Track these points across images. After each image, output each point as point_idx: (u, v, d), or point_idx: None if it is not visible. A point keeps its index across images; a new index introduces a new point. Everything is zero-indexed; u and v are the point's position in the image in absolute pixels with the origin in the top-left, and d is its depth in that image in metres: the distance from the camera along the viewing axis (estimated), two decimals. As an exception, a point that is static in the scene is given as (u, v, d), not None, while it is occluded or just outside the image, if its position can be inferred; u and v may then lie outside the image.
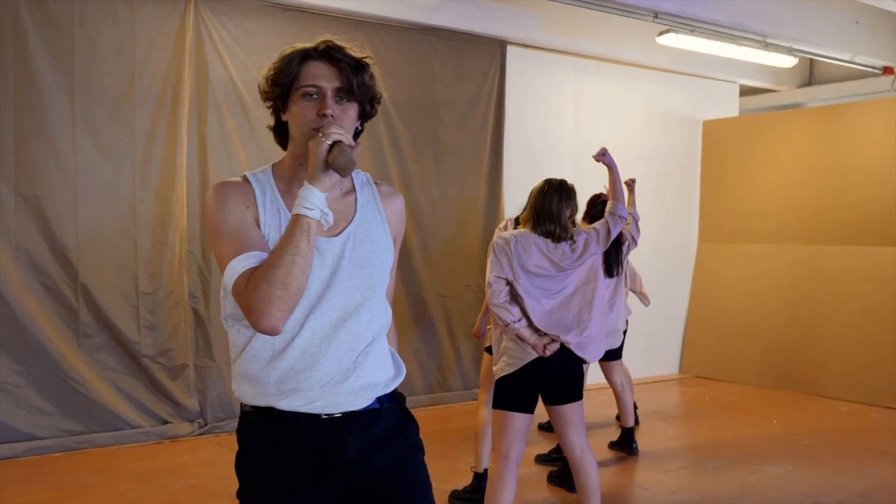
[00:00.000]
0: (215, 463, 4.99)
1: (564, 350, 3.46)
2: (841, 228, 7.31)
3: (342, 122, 1.72)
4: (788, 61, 7.39)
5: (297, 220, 1.63)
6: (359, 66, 1.75)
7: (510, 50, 7.03)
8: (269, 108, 1.83)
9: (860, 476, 4.92)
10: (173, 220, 5.53)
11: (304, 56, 1.75)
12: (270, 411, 1.74)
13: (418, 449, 1.89)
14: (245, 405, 1.81)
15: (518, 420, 3.44)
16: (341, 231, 1.78)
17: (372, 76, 1.78)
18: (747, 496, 4.54)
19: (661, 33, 6.66)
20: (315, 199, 1.63)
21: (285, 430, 1.74)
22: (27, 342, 5.05)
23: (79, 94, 5.20)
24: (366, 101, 1.78)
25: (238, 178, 1.80)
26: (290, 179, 1.80)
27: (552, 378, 3.48)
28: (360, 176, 1.90)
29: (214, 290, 5.67)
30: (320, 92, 1.72)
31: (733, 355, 7.91)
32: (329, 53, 1.74)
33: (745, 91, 9.19)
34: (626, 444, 5.38)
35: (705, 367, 8.13)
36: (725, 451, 5.45)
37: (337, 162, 1.63)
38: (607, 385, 5.52)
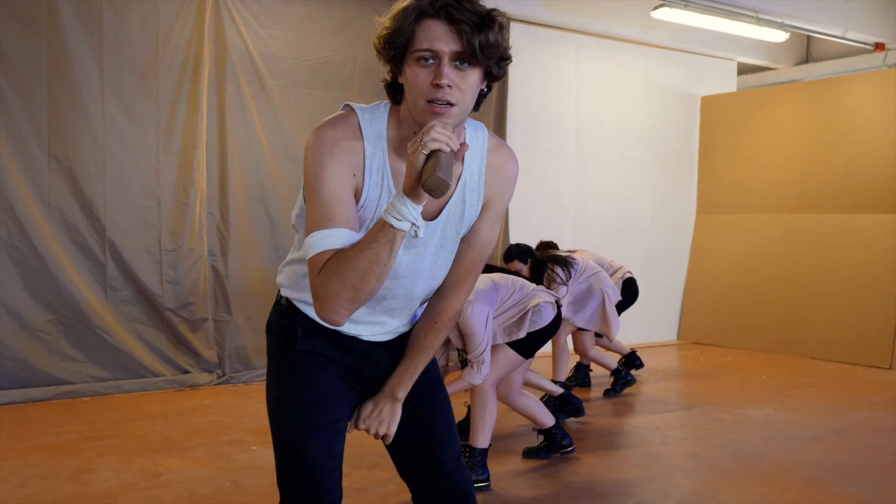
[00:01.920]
0: (234, 406, 5.36)
1: None
2: (833, 197, 7.60)
3: (461, 90, 1.55)
4: (780, 36, 7.68)
5: (383, 227, 1.52)
6: (482, 23, 1.54)
7: (513, 26, 7.35)
8: (385, 66, 1.65)
9: (838, 417, 5.22)
10: (194, 182, 5.90)
11: (420, 13, 1.55)
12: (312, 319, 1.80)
13: (439, 380, 1.99)
14: (284, 298, 1.85)
15: None
16: (436, 216, 1.70)
17: (500, 30, 1.57)
18: (727, 432, 4.85)
19: (655, 7, 6.95)
20: (408, 212, 1.51)
21: (331, 339, 1.81)
22: (59, 294, 5.44)
23: (107, 65, 5.58)
24: (492, 62, 1.58)
25: (351, 124, 1.63)
26: (403, 146, 1.64)
27: None
28: (474, 142, 1.72)
29: (232, 249, 6.05)
30: (436, 56, 1.54)
31: (730, 322, 8.21)
32: (448, 11, 1.53)
33: (743, 70, 9.46)
34: (622, 382, 5.77)
35: (702, 334, 8.43)
36: (712, 399, 5.77)
37: (428, 183, 1.45)
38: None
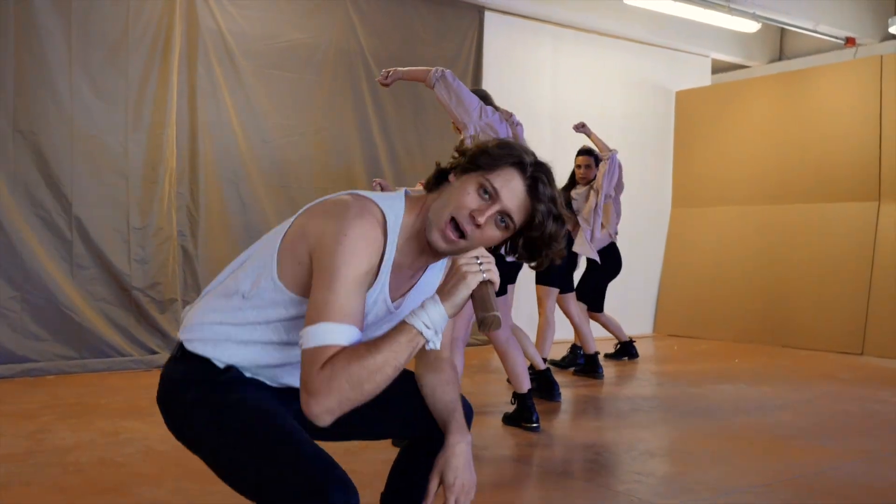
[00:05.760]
0: (200, 381, 5.26)
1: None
2: (805, 188, 7.65)
3: (482, 235, 1.58)
4: (752, 27, 7.76)
5: (408, 331, 1.47)
6: (559, 217, 1.62)
7: (489, 15, 7.39)
8: (454, 158, 1.69)
9: (808, 389, 5.23)
10: (163, 161, 5.83)
11: (517, 163, 1.60)
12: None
13: None
14: (195, 353, 1.67)
15: None
16: (401, 297, 1.70)
17: (561, 227, 1.64)
18: (697, 402, 4.83)
19: (628, -6, 7.01)
20: (438, 322, 1.48)
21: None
22: (24, 270, 5.32)
23: (76, 38, 5.52)
24: (545, 250, 1.66)
25: (379, 223, 1.57)
26: (408, 243, 1.63)
27: None
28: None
29: (202, 230, 5.98)
30: (493, 199, 1.57)
31: (705, 314, 8.21)
32: (535, 184, 1.59)
33: (718, 68, 9.54)
34: (591, 370, 5.68)
35: (678, 327, 8.43)
36: (685, 376, 5.76)
37: (488, 318, 1.47)
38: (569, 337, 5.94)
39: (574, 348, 6.09)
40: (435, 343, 1.49)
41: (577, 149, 5.90)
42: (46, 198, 5.45)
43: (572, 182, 5.80)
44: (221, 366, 1.65)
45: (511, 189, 1.56)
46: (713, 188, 8.45)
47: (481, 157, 1.60)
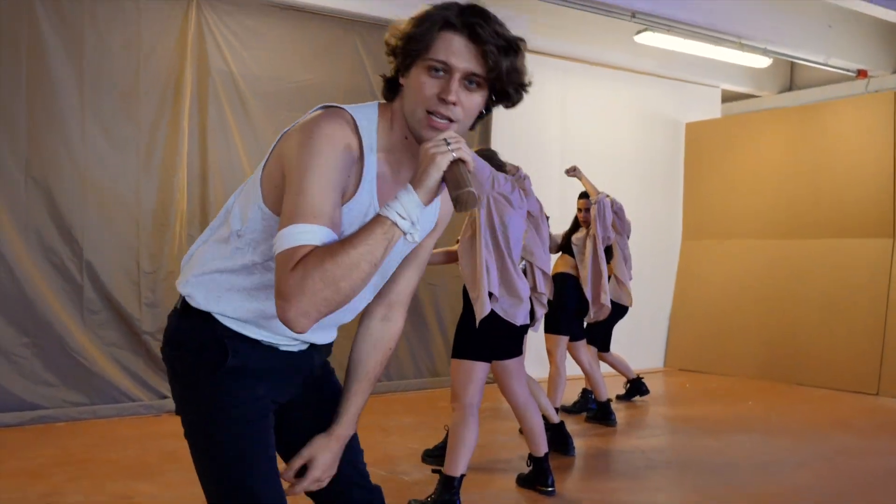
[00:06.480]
0: (211, 430, 5.23)
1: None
2: (817, 223, 7.60)
3: (464, 109, 1.51)
4: (764, 62, 7.72)
5: (382, 222, 1.42)
6: (508, 48, 1.50)
7: (498, 51, 7.35)
8: (390, 63, 1.59)
9: (825, 443, 5.16)
10: (174, 205, 5.83)
11: (445, 24, 1.49)
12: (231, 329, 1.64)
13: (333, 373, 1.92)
14: (198, 310, 1.65)
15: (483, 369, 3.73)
16: None
17: (523, 57, 1.53)
18: (712, 457, 4.78)
19: (639, 31, 6.98)
20: (414, 211, 1.43)
21: (251, 340, 1.65)
22: (34, 316, 5.33)
23: (88, 86, 5.53)
24: (512, 87, 1.54)
25: (349, 123, 1.53)
26: (392, 152, 1.59)
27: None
28: None
29: (213, 272, 5.96)
30: (449, 71, 1.48)
31: (716, 349, 8.16)
32: (473, 29, 1.48)
33: (728, 97, 9.52)
34: (604, 417, 5.63)
35: (689, 360, 8.37)
36: (698, 423, 5.70)
37: (462, 195, 1.42)
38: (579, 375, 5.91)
39: (585, 392, 6.05)
40: (413, 235, 1.45)
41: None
42: (57, 244, 5.45)
43: (576, 225, 5.70)
44: (225, 322, 1.62)
45: (455, 51, 1.48)
46: (724, 221, 8.40)
47: (411, 43, 1.51)
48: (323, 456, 1.74)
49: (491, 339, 3.70)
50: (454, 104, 1.48)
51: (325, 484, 1.76)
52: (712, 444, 5.11)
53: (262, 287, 1.61)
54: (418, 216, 1.44)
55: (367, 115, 1.57)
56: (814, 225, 7.62)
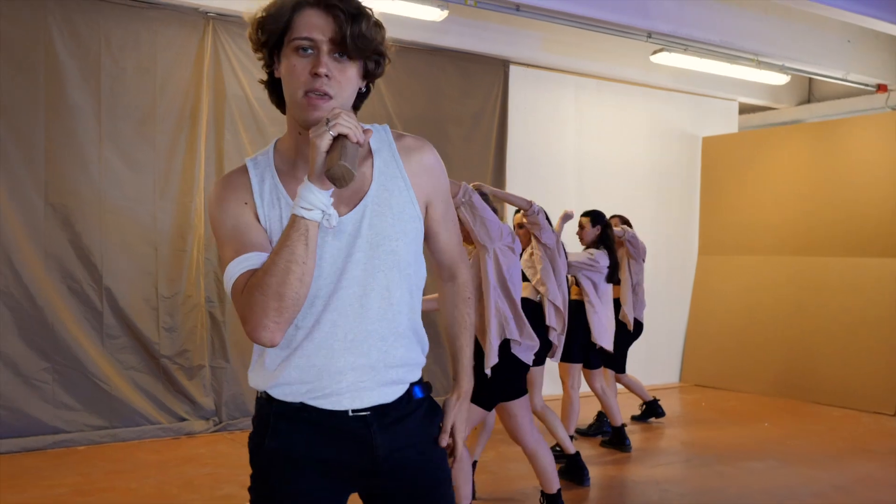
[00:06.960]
0: (230, 455, 5.30)
1: None
2: (836, 240, 7.55)
3: (339, 82, 1.52)
4: (781, 79, 7.67)
5: (294, 221, 1.46)
6: (357, 15, 1.52)
7: (513, 69, 7.37)
8: (260, 59, 1.62)
9: (842, 471, 5.14)
10: (192, 229, 5.88)
11: (298, 3, 1.52)
12: (293, 404, 1.63)
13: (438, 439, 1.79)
14: (260, 392, 1.69)
15: None
16: (355, 205, 1.59)
17: (376, 26, 1.54)
18: (727, 487, 4.77)
19: (655, 52, 6.96)
20: (315, 199, 1.45)
21: (309, 419, 1.62)
22: (55, 341, 5.40)
23: (105, 111, 5.59)
24: (367, 56, 1.56)
25: (237, 169, 1.64)
26: (293, 157, 1.62)
27: None
28: (378, 133, 1.66)
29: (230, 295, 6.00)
30: (315, 46, 1.51)
31: (732, 364, 8.13)
32: (324, 5, 1.51)
33: (745, 109, 9.46)
34: (619, 442, 5.64)
35: (705, 377, 8.35)
36: (713, 449, 5.69)
37: (332, 171, 1.41)
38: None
39: (600, 415, 6.05)
40: (329, 219, 1.48)
41: (600, 204, 5.90)
42: (77, 269, 5.52)
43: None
44: (274, 392, 1.64)
45: (313, 26, 1.51)
46: (740, 236, 8.37)
47: (268, 23, 1.54)
48: (460, 419, 1.83)
49: (499, 382, 3.73)
50: (328, 76, 1.50)
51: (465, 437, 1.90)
52: (727, 471, 5.10)
53: (286, 343, 1.62)
54: (324, 200, 1.46)
55: (263, 151, 1.68)
56: (831, 242, 7.58)
